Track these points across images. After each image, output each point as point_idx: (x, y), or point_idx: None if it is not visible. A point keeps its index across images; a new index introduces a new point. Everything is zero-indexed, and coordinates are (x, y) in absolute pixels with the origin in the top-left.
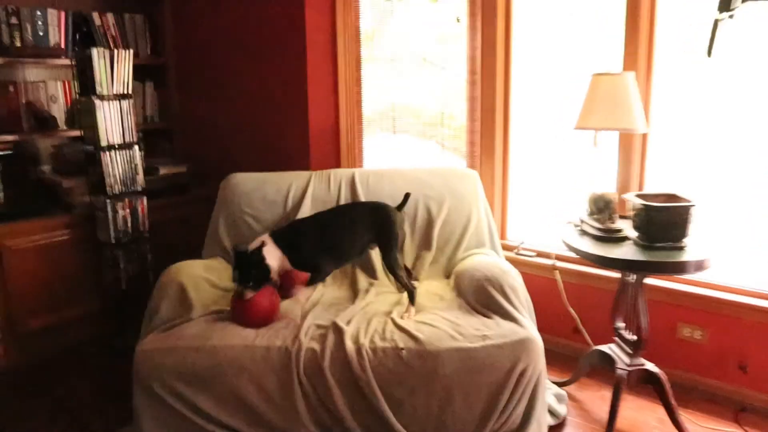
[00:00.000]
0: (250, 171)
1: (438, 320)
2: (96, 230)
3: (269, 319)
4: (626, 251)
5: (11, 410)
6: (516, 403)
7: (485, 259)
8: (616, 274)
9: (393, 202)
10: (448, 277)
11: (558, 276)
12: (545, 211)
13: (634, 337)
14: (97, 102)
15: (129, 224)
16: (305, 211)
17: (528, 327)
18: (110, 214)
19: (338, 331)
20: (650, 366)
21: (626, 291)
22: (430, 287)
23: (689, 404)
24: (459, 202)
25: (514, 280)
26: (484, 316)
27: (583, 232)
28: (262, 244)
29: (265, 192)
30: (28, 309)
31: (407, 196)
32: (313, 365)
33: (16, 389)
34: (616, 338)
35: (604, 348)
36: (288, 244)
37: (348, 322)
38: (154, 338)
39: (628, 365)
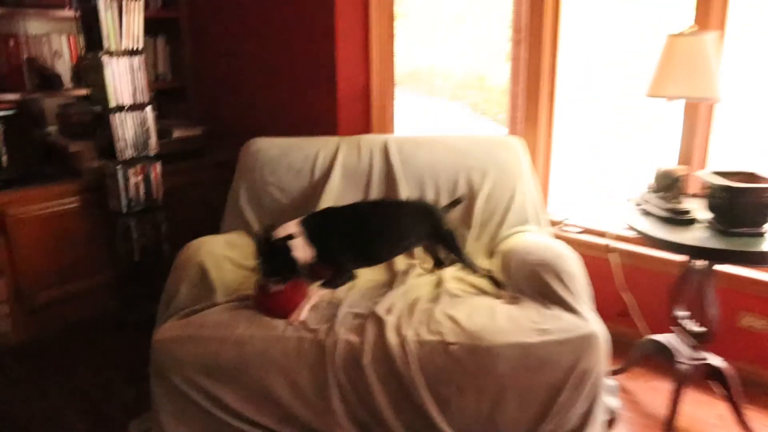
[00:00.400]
0: (271, 135)
1: (488, 309)
2: (106, 198)
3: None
4: (699, 236)
5: (22, 390)
6: (575, 404)
7: (535, 239)
8: (676, 257)
9: (431, 172)
10: (490, 256)
11: (614, 258)
12: (591, 185)
13: (701, 329)
14: (105, 58)
15: (141, 192)
16: (334, 182)
17: (591, 321)
18: (121, 181)
19: (378, 322)
20: (714, 360)
21: (690, 277)
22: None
23: (753, 400)
24: (503, 174)
25: (573, 266)
26: (541, 305)
27: (646, 212)
28: (290, 235)
29: (291, 159)
30: (37, 282)
31: (458, 201)
32: (350, 360)
33: (26, 367)
34: (676, 328)
35: (660, 338)
36: (318, 235)
37: (388, 311)
38: (172, 326)
39: (691, 359)
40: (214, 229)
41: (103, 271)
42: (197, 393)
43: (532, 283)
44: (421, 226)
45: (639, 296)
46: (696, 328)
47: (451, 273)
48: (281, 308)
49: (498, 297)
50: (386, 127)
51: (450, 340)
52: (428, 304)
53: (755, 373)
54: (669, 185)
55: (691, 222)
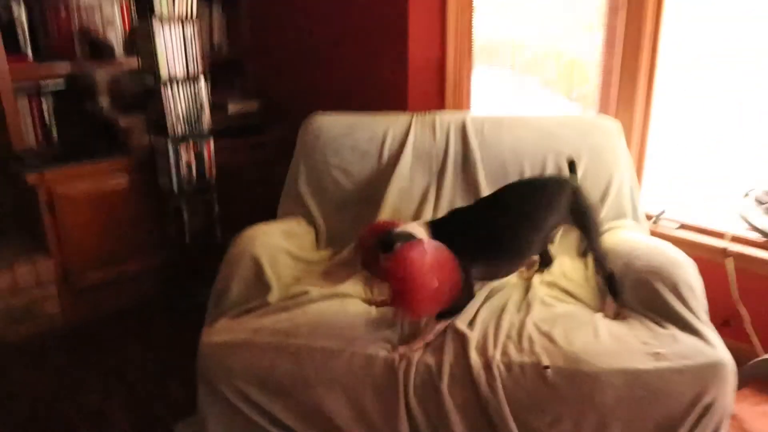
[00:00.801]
0: (334, 110)
1: (588, 325)
2: (157, 176)
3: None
4: None
5: (67, 381)
6: None
7: (640, 240)
8: None
9: (515, 157)
10: (582, 255)
11: (730, 264)
12: (693, 176)
13: None
14: (156, 25)
15: (194, 170)
16: (404, 165)
17: (718, 346)
18: (172, 158)
19: (460, 339)
20: None
21: None
22: (563, 268)
23: None
24: (598, 161)
25: (692, 276)
26: (652, 322)
27: None
28: (412, 234)
29: (356, 139)
30: (85, 263)
31: (572, 164)
32: (426, 384)
33: (73, 355)
34: None
35: None
36: (447, 244)
37: (470, 323)
38: (223, 327)
39: None
40: (272, 212)
41: (153, 253)
42: (248, 406)
43: (640, 294)
44: (559, 208)
45: (752, 308)
46: None
47: (540, 276)
48: (426, 295)
49: (598, 309)
50: (462, 103)
51: (545, 362)
52: (517, 315)
53: None
54: None
55: None
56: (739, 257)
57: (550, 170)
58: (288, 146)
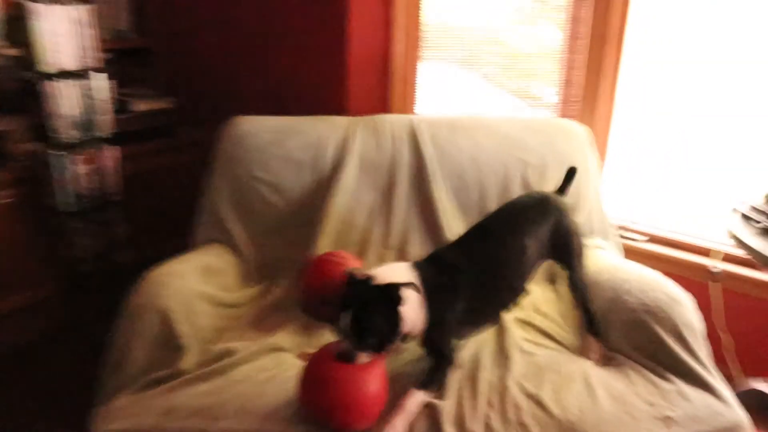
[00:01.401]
0: (261, 113)
1: (580, 381)
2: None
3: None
4: None
5: None
6: None
7: (625, 269)
8: None
9: (475, 167)
10: (551, 282)
11: (716, 289)
12: (659, 185)
13: None
14: (34, 6)
15: (92, 185)
16: (348, 179)
17: (731, 402)
18: (57, 171)
19: (428, 410)
20: None
21: None
22: (533, 300)
23: None
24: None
25: (693, 315)
26: (651, 372)
27: (766, 232)
28: (409, 283)
29: (288, 148)
30: None
31: (572, 172)
32: None
33: None
34: None
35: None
36: (435, 293)
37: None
38: (123, 406)
39: None
40: (182, 232)
41: (43, 283)
42: None
43: (636, 337)
44: (542, 234)
45: (735, 332)
46: None
47: (510, 314)
48: (361, 401)
49: (580, 352)
50: (409, 104)
51: None
52: (496, 371)
53: None
54: None
55: None
56: (726, 277)
57: (515, 183)
58: (206, 150)
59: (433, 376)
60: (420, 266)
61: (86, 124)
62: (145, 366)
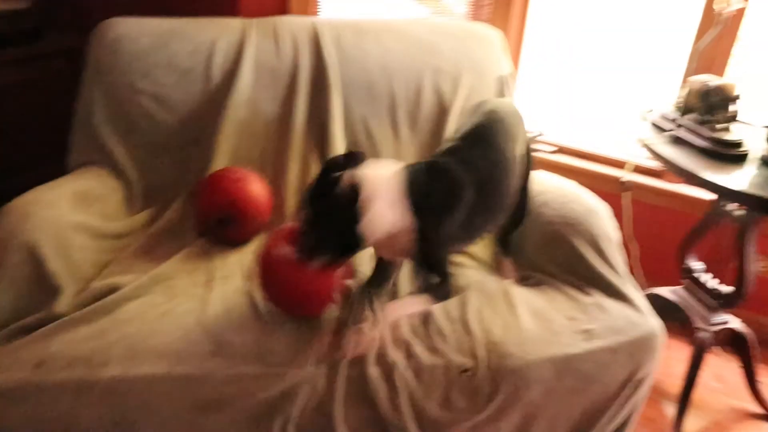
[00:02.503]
0: (138, 12)
1: (502, 299)
2: None
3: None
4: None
5: None
6: (615, 419)
7: (543, 181)
8: (697, 195)
9: (384, 75)
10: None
11: (627, 198)
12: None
13: (726, 288)
14: None
15: None
16: (243, 89)
17: (647, 311)
18: None
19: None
20: (736, 324)
21: (714, 221)
22: None
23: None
24: (481, 81)
25: (610, 226)
26: (572, 287)
27: (677, 140)
28: (373, 181)
29: (173, 53)
30: None
31: (503, 82)
32: (313, 417)
33: None
34: (688, 282)
35: (667, 294)
36: (424, 199)
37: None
38: None
39: (711, 324)
40: (60, 156)
41: None
42: None
43: (555, 252)
44: (522, 142)
45: (642, 241)
46: (718, 285)
47: None
48: (316, 296)
49: (499, 274)
50: (311, 7)
51: (462, 364)
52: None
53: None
54: (715, 106)
55: (742, 158)
56: (635, 188)
57: (426, 91)
58: (80, 61)
59: (435, 288)
60: (412, 171)
61: None
62: (10, 312)
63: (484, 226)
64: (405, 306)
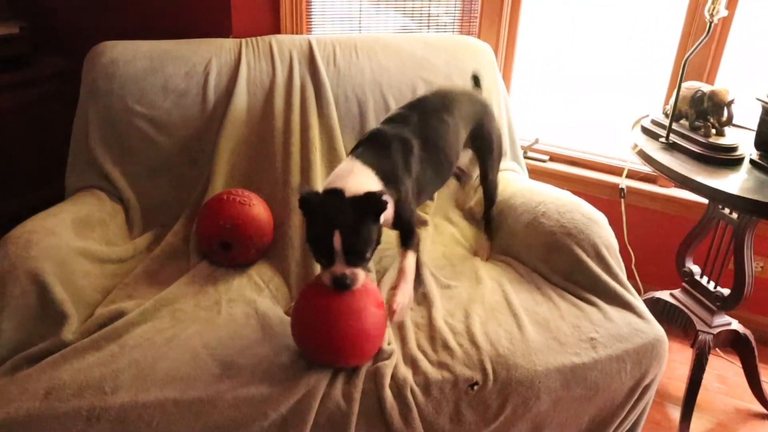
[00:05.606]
0: (130, 36)
1: (503, 303)
2: None
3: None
4: (752, 183)
5: None
6: (624, 424)
7: (538, 189)
8: (691, 200)
9: (377, 91)
10: (461, 208)
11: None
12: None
13: (723, 291)
14: None
15: None
16: (239, 108)
17: (650, 318)
18: None
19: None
20: (737, 326)
21: (711, 225)
22: (442, 229)
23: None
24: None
25: (610, 234)
26: (574, 295)
27: (671, 145)
28: (381, 192)
29: (167, 75)
30: None
31: (477, 79)
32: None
33: None
34: (687, 285)
35: (666, 297)
36: (391, 177)
37: None
38: None
39: (712, 326)
40: (58, 180)
41: None
42: None
43: (556, 260)
44: (468, 121)
45: (637, 246)
46: (717, 288)
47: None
48: (363, 332)
49: (474, 252)
50: (303, 23)
51: (472, 377)
52: (418, 309)
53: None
54: (707, 111)
55: (738, 162)
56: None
57: None
58: (73, 84)
59: (411, 240)
60: (367, 157)
61: None
62: (17, 342)
63: (435, 181)
64: (409, 265)
